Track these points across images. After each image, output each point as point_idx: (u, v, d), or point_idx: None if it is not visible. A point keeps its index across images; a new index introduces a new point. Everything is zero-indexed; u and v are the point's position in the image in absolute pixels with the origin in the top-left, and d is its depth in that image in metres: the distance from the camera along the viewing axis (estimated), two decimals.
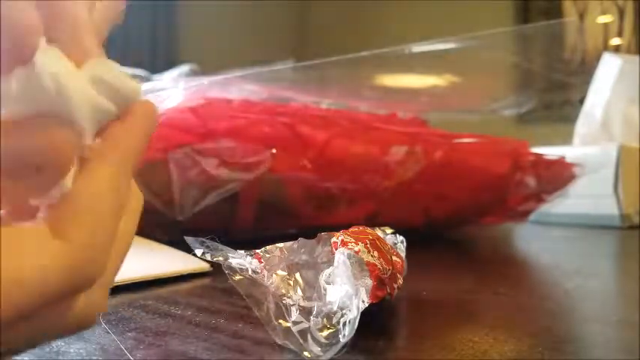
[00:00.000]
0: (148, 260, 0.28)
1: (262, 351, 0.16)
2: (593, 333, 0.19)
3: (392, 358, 0.16)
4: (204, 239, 0.18)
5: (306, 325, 0.15)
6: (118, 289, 0.24)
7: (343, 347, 0.14)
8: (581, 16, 2.33)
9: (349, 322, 0.15)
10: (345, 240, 0.18)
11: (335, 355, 0.14)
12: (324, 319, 0.15)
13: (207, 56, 2.16)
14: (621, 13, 2.28)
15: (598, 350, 0.17)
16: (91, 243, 0.11)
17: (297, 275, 0.18)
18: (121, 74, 0.13)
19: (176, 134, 0.33)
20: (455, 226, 0.44)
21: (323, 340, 0.15)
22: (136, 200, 0.14)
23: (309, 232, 0.40)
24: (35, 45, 0.11)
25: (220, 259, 0.17)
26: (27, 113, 0.11)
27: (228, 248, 0.18)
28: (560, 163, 0.41)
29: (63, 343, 0.17)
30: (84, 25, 0.12)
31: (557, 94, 0.44)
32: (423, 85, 0.42)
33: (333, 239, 0.19)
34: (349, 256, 0.17)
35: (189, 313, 0.20)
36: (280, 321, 0.16)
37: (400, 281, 0.19)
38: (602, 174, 0.51)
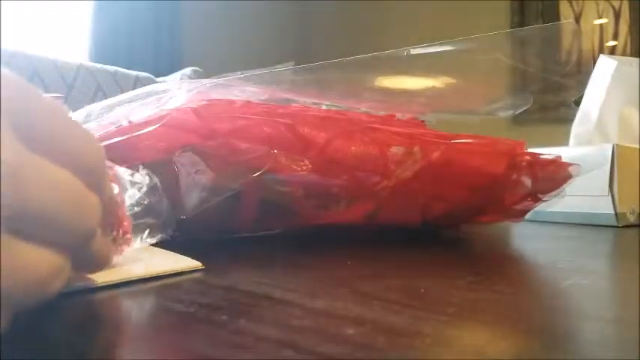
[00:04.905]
0: (150, 258, 0.28)
1: (263, 347, 0.16)
2: (592, 331, 0.19)
3: (391, 356, 0.16)
4: None
5: None
6: (118, 287, 0.24)
7: None
8: (577, 18, 2.35)
9: None
10: None
11: None
12: None
13: (209, 59, 2.17)
14: (617, 16, 2.29)
15: (596, 349, 0.17)
16: None
17: None
18: None
19: (179, 135, 0.33)
20: (452, 225, 0.44)
21: None
22: None
23: (309, 230, 0.40)
24: None
25: None
26: None
27: None
28: (556, 163, 0.41)
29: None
30: None
31: (553, 95, 0.44)
32: (421, 87, 0.42)
33: None
34: None
35: (192, 310, 0.21)
36: None
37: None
38: (598, 173, 0.51)
